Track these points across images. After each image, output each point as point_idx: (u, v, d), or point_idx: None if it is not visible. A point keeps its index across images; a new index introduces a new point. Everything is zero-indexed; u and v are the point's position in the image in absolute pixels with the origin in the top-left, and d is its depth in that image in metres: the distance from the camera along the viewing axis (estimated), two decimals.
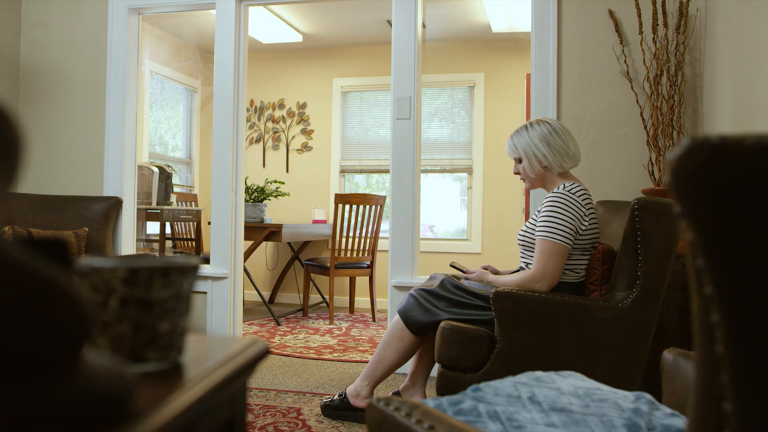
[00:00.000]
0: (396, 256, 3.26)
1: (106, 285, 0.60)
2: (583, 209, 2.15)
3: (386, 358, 2.35)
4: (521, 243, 2.29)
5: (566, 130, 2.31)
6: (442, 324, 2.10)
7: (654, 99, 2.85)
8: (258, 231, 4.59)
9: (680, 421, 0.90)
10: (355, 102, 5.83)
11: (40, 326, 0.40)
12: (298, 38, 5.50)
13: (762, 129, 2.11)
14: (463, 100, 5.58)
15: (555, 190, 2.21)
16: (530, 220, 2.30)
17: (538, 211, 2.22)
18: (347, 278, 5.30)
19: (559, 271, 2.10)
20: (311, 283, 5.33)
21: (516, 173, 2.38)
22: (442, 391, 2.04)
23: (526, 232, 2.28)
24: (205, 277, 3.47)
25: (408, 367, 3.20)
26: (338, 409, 2.44)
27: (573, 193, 2.16)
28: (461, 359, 2.04)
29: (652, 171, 2.86)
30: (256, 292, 5.10)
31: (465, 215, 5.53)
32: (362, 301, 5.48)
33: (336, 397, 2.48)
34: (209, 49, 5.64)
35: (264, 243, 5.58)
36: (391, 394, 2.58)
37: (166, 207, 4.79)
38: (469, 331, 2.05)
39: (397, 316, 2.31)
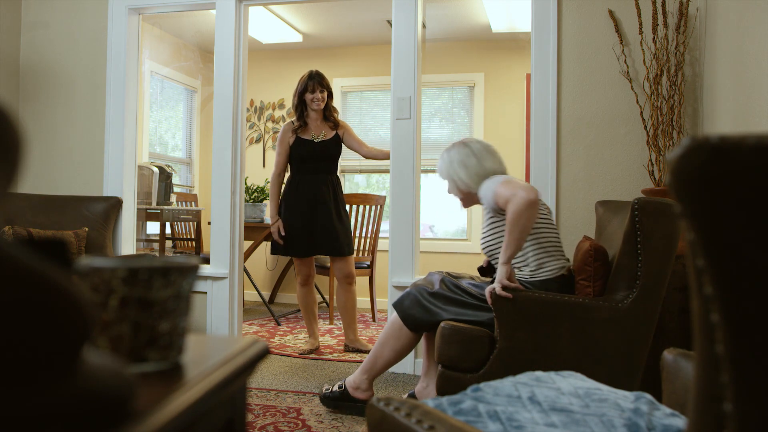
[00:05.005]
0: (396, 256, 3.26)
1: (106, 285, 0.60)
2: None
3: (383, 355, 2.37)
4: (487, 249, 2.30)
5: (485, 149, 2.35)
6: (441, 324, 2.11)
7: (654, 99, 2.85)
8: (258, 231, 4.59)
9: (680, 421, 0.90)
10: (355, 102, 5.83)
11: (40, 326, 0.40)
12: (298, 38, 5.50)
13: (762, 129, 2.11)
14: (463, 100, 5.58)
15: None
16: (483, 230, 2.33)
17: (487, 222, 2.28)
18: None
19: (522, 183, 2.10)
20: None
21: (450, 193, 2.42)
22: (442, 391, 2.05)
23: (485, 238, 2.30)
24: (205, 277, 3.47)
25: (405, 365, 3.20)
26: (338, 399, 2.48)
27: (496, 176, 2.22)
28: (461, 359, 2.05)
29: (652, 171, 2.86)
30: (256, 292, 5.10)
31: (465, 215, 5.53)
32: (362, 301, 5.47)
33: (336, 388, 2.51)
34: (209, 49, 5.64)
35: (264, 243, 5.58)
36: (406, 396, 2.58)
37: (166, 207, 4.79)
38: (469, 331, 2.05)
39: (395, 313, 2.32)
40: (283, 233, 3.53)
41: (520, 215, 1.98)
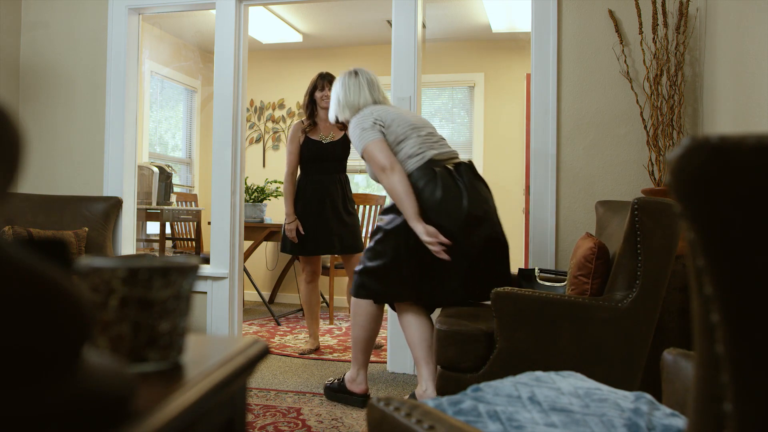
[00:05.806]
0: None
1: (106, 285, 0.60)
2: (372, 116, 2.47)
3: (357, 334, 2.56)
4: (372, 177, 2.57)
5: (357, 84, 2.62)
6: (437, 326, 2.16)
7: (654, 99, 2.85)
8: (258, 231, 4.59)
9: (680, 421, 0.90)
10: None
11: (41, 326, 0.40)
12: (298, 38, 5.50)
13: (762, 129, 2.11)
14: (463, 100, 5.58)
15: None
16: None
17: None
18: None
19: (390, 156, 2.36)
20: None
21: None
22: (442, 391, 2.05)
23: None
24: (205, 277, 3.47)
25: (405, 365, 3.20)
26: (336, 391, 2.67)
27: (362, 114, 2.51)
28: (459, 360, 2.06)
29: (652, 171, 2.86)
30: (256, 292, 5.10)
31: None
32: None
33: (336, 380, 2.71)
34: (209, 49, 5.64)
35: (264, 243, 5.58)
36: (407, 397, 2.60)
37: (166, 207, 4.79)
38: (465, 332, 2.07)
39: (353, 298, 2.55)
40: (302, 232, 3.54)
41: (392, 189, 2.31)
